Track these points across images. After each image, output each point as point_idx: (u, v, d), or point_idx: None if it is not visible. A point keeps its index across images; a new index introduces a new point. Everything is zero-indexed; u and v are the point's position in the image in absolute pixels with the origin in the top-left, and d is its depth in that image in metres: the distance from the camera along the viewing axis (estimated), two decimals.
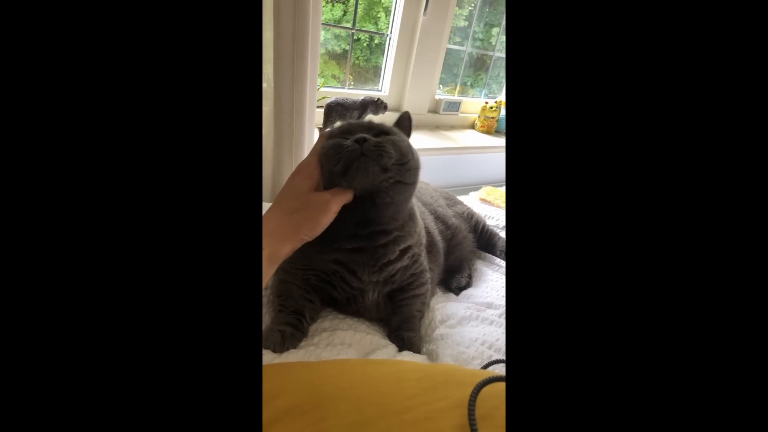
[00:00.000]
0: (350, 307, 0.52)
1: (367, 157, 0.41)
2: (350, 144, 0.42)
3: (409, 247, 0.51)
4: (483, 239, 0.77)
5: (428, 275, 0.55)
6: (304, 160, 0.45)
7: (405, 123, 0.51)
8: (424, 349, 0.51)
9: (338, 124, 1.17)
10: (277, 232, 0.39)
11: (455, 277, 0.66)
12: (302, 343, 0.46)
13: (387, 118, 1.35)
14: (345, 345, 0.46)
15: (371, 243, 0.47)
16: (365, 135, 0.42)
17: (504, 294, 0.62)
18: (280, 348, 0.43)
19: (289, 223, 0.40)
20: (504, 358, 0.45)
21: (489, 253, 0.76)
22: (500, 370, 0.43)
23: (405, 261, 0.51)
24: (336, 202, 0.41)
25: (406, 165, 0.44)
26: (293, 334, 0.45)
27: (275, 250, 0.39)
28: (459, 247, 0.69)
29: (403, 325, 0.52)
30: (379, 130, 0.46)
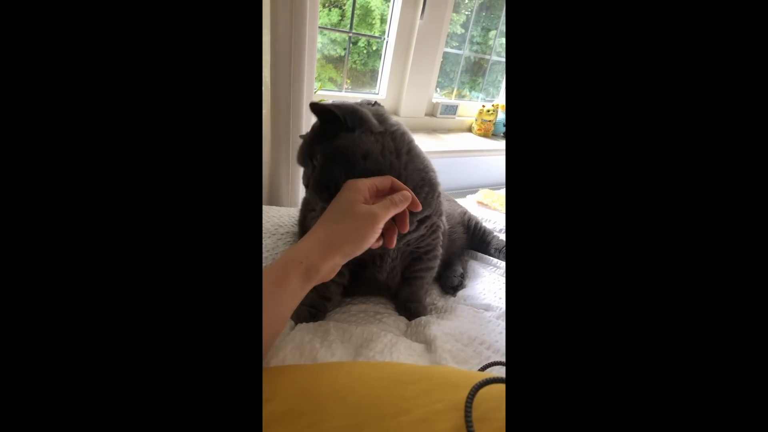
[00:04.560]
0: (371, 268, 0.55)
1: None
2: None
3: (426, 217, 0.53)
4: (476, 237, 0.77)
5: (440, 250, 0.59)
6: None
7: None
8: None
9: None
10: (319, 244, 0.37)
11: (448, 277, 0.66)
12: (294, 344, 0.46)
13: None
14: (339, 342, 0.46)
15: None
16: (303, 179, 0.45)
17: (501, 296, 0.62)
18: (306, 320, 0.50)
19: (332, 235, 0.38)
20: (500, 359, 0.45)
21: (483, 251, 0.76)
22: (497, 372, 0.43)
23: (422, 230, 0.53)
24: (384, 216, 0.39)
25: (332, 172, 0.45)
26: (316, 315, 0.53)
27: (313, 264, 0.36)
28: (453, 245, 0.70)
29: (411, 298, 0.58)
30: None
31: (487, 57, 1.70)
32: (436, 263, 0.59)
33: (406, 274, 0.57)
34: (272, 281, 0.34)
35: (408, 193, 0.41)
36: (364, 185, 0.41)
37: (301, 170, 0.93)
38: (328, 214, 0.40)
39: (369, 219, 0.38)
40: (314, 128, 0.47)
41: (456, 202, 0.82)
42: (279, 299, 0.34)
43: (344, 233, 0.38)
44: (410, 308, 0.57)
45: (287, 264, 0.35)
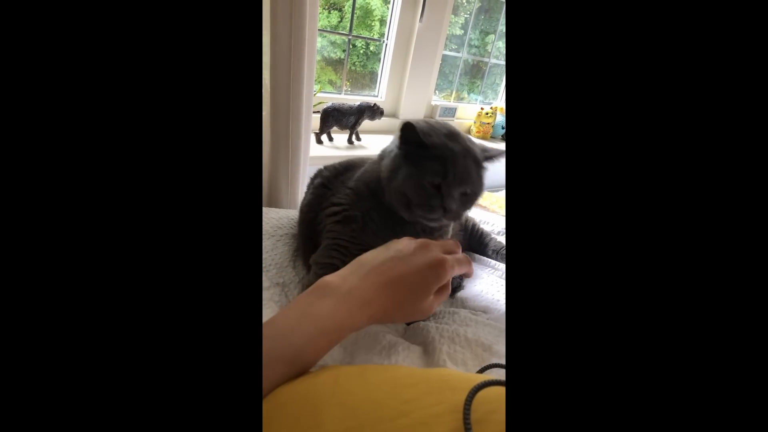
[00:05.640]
0: None
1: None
2: (436, 212, 0.46)
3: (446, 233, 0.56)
4: (474, 239, 0.77)
5: None
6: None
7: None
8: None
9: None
10: (376, 317, 0.35)
11: None
12: None
13: (384, 123, 1.36)
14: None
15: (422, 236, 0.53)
16: (452, 206, 0.45)
17: (499, 298, 0.62)
18: None
19: (392, 316, 0.35)
20: (499, 362, 0.45)
21: (481, 253, 0.76)
22: (496, 374, 0.43)
23: None
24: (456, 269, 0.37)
25: (472, 205, 0.50)
26: None
27: (352, 323, 0.34)
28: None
29: None
30: (457, 181, 0.45)
31: (486, 60, 1.70)
32: None
33: None
34: (324, 348, 0.33)
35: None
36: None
37: (300, 171, 0.93)
38: (398, 290, 0.35)
39: (422, 316, 0.37)
40: (479, 151, 0.48)
41: None
42: (318, 359, 0.34)
43: (396, 320, 0.37)
44: None
45: (343, 332, 0.34)
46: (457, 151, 0.45)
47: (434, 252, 0.37)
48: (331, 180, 0.60)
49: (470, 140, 0.49)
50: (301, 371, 0.32)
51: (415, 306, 0.36)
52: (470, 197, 0.47)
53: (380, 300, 0.35)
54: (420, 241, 0.38)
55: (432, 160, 0.44)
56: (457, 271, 0.38)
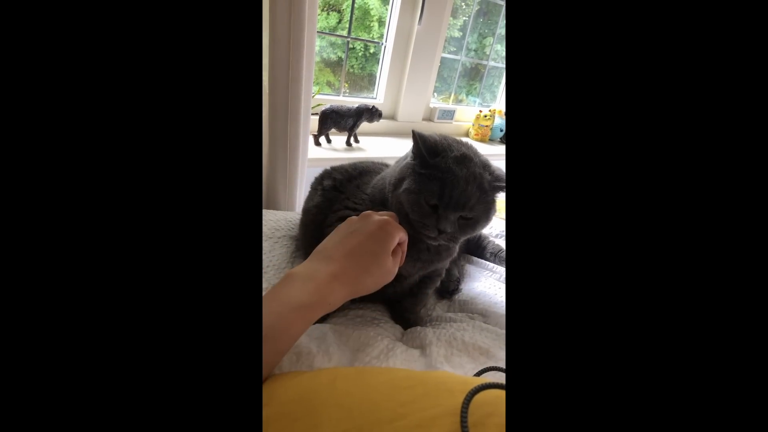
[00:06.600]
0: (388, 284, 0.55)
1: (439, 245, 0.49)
2: (431, 231, 0.45)
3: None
4: (472, 241, 0.77)
5: (444, 270, 0.62)
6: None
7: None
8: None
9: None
10: (345, 295, 0.38)
11: (444, 282, 0.67)
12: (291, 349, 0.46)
13: (383, 125, 1.36)
14: (335, 345, 0.46)
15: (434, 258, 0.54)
16: (446, 228, 0.45)
17: (496, 301, 0.62)
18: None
19: (359, 288, 0.39)
20: (495, 365, 0.45)
21: (478, 255, 0.76)
22: (493, 377, 0.43)
23: (445, 263, 0.58)
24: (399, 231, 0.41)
25: (474, 231, 0.49)
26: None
27: (331, 308, 0.37)
28: None
29: (410, 309, 0.59)
30: (464, 200, 0.44)
31: (484, 63, 1.71)
32: (439, 281, 0.62)
33: (414, 290, 0.59)
34: (297, 324, 0.35)
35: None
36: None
37: (299, 173, 0.93)
38: (361, 255, 0.39)
39: (389, 277, 0.41)
40: (489, 178, 0.47)
41: None
42: (293, 337, 0.35)
43: (369, 287, 0.40)
44: (409, 319, 0.57)
45: (315, 307, 0.36)
46: (460, 176, 0.44)
47: (376, 216, 0.42)
48: (344, 183, 0.59)
49: (484, 166, 0.48)
50: (278, 348, 0.34)
51: (380, 266, 0.40)
52: (471, 223, 0.47)
53: (346, 270, 0.38)
54: (361, 214, 0.43)
55: (432, 180, 0.44)
56: (401, 234, 0.42)
